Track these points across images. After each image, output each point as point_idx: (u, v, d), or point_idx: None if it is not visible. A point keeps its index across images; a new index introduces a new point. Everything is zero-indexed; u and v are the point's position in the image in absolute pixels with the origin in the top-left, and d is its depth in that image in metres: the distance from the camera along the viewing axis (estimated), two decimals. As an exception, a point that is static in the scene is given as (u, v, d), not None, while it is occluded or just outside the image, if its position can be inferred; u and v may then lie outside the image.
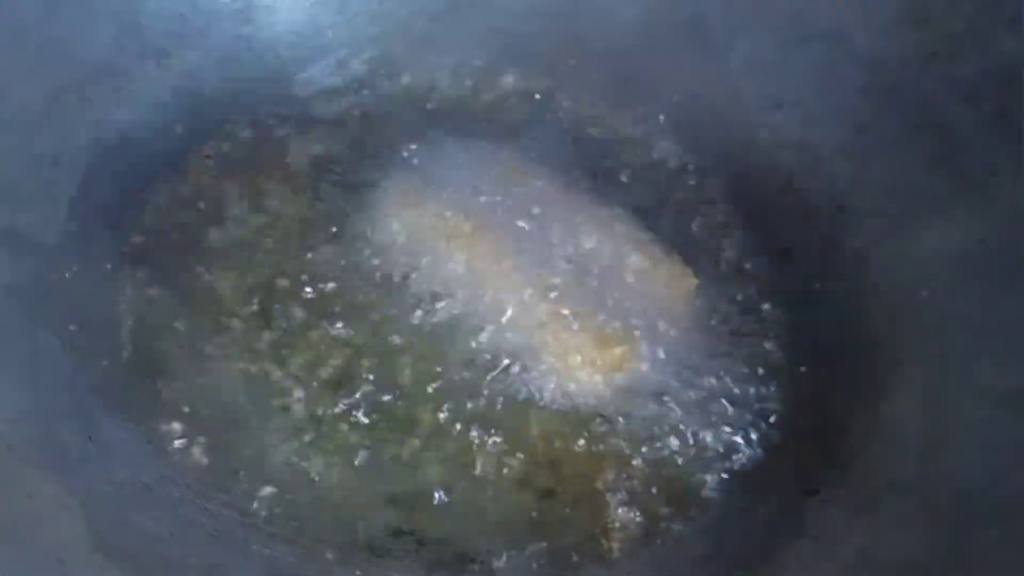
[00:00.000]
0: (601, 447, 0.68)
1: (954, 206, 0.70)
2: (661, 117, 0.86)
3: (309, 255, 0.76)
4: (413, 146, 0.82)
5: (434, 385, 0.70)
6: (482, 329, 0.72)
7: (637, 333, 0.72)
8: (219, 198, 0.78)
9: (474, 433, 0.68)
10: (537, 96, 0.88)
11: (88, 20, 0.76)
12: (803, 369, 0.73)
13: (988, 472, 0.59)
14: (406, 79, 0.87)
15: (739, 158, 0.82)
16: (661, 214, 0.81)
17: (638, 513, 0.66)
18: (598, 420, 0.69)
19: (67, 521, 0.57)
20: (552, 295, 0.73)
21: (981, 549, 0.56)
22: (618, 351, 0.71)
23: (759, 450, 0.69)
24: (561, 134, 0.85)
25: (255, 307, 0.73)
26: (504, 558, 0.64)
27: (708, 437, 0.70)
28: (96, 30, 0.77)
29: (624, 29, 0.85)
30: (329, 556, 0.63)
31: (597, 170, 0.83)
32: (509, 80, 0.88)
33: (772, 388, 0.72)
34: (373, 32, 0.89)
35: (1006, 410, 0.61)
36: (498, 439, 0.68)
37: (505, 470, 0.67)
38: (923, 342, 0.68)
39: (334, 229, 0.77)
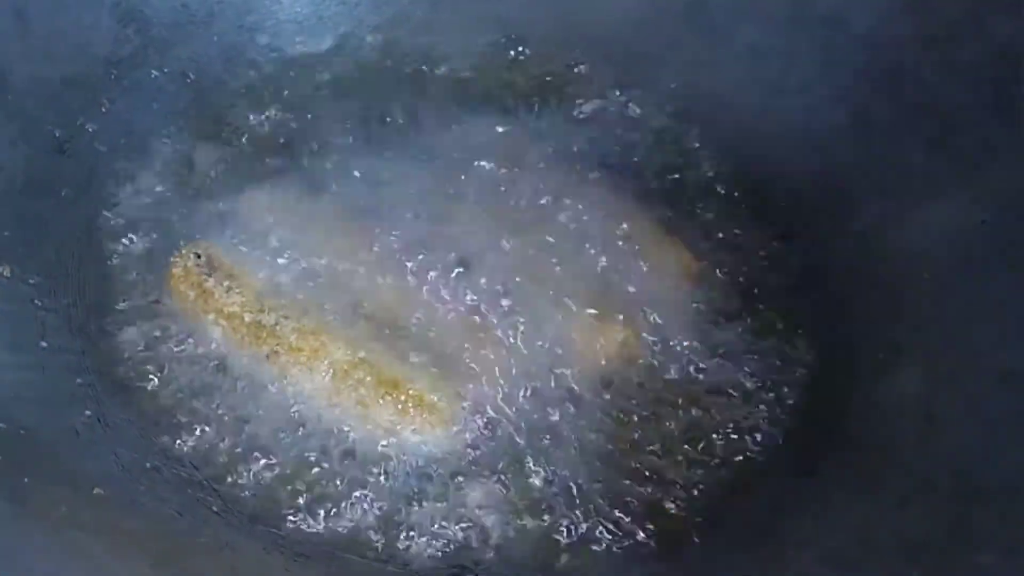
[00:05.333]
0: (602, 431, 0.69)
1: (955, 188, 0.69)
2: (662, 102, 0.86)
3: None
4: (417, 131, 0.82)
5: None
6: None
7: (639, 317, 0.73)
8: (226, 187, 0.79)
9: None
10: (538, 81, 0.88)
11: (92, 9, 0.76)
12: (805, 350, 0.73)
13: (988, 451, 0.59)
14: (409, 66, 0.88)
15: (740, 142, 0.83)
16: (663, 197, 0.81)
17: (647, 489, 0.67)
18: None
19: (77, 502, 0.57)
20: (554, 278, 0.73)
21: (981, 527, 0.55)
22: (620, 335, 0.72)
23: (761, 430, 0.70)
24: (562, 119, 0.85)
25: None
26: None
27: (711, 418, 0.70)
28: (99, 20, 0.77)
29: (625, 14, 0.85)
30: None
31: (598, 154, 0.83)
32: (511, 66, 0.88)
33: (774, 369, 0.73)
34: (375, 20, 0.89)
35: (1006, 389, 0.60)
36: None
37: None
38: (924, 323, 0.68)
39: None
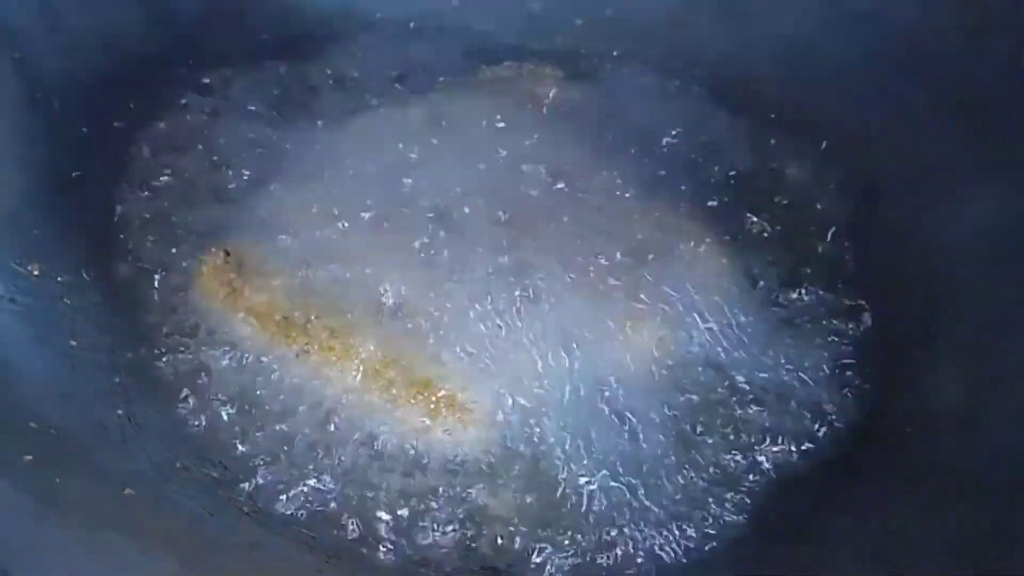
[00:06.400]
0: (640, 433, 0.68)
1: (994, 182, 0.69)
2: (695, 94, 0.85)
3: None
4: (450, 130, 0.82)
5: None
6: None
7: (677, 315, 0.72)
8: (255, 186, 0.78)
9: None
10: (571, 70, 0.88)
11: (121, 5, 0.76)
12: (843, 347, 0.72)
13: (1028, 450, 0.58)
14: (441, 55, 0.87)
15: (775, 134, 0.82)
16: (697, 191, 0.80)
17: (687, 490, 0.66)
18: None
19: (107, 502, 0.57)
20: (591, 278, 0.73)
21: (1021, 527, 0.54)
22: (658, 334, 0.71)
23: (801, 429, 0.69)
24: (595, 108, 0.85)
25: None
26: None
27: (752, 416, 0.69)
28: (128, 16, 0.77)
29: (660, 7, 0.85)
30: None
31: (633, 145, 0.83)
32: (542, 54, 0.88)
33: (813, 367, 0.72)
34: (410, 11, 0.89)
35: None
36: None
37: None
38: (962, 319, 0.67)
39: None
